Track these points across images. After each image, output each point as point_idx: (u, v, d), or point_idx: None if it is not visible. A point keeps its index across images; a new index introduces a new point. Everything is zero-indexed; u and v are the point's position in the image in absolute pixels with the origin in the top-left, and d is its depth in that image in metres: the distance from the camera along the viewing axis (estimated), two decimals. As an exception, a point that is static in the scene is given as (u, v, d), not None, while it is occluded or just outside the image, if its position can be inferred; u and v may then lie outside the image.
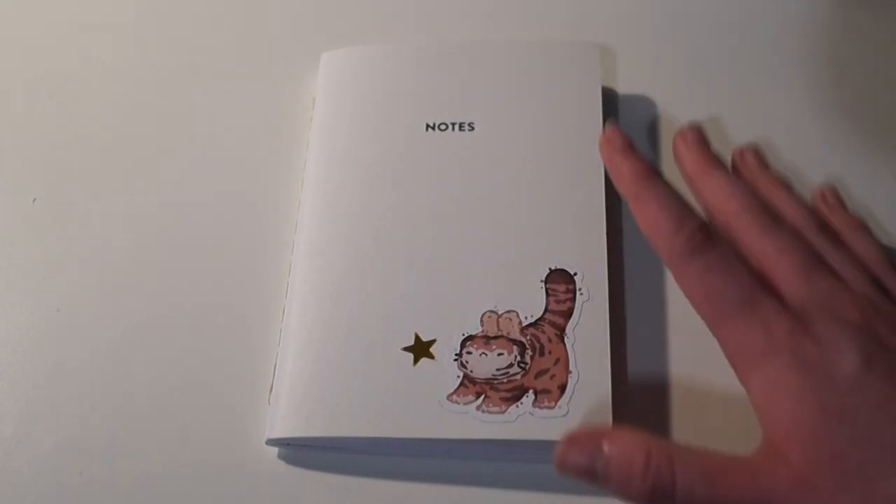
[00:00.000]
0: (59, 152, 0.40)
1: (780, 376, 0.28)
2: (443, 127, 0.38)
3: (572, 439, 0.29)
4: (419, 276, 0.35)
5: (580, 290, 0.34)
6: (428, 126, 0.38)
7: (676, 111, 0.42)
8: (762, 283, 0.31)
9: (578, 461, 0.29)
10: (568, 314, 0.34)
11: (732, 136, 0.41)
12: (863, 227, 0.36)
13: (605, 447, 0.28)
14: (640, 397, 0.34)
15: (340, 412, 0.32)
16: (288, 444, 0.33)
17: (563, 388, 0.32)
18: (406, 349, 0.33)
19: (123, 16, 0.44)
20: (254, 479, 0.32)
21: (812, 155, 0.41)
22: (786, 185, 0.37)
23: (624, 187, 0.34)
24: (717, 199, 0.35)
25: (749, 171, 0.38)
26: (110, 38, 0.43)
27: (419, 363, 0.33)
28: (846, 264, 0.32)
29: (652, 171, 0.34)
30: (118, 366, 0.35)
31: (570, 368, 0.33)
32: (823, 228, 0.34)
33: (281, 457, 0.33)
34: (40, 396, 0.34)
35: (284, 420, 0.32)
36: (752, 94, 0.42)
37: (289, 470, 0.33)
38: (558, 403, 0.32)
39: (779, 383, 0.28)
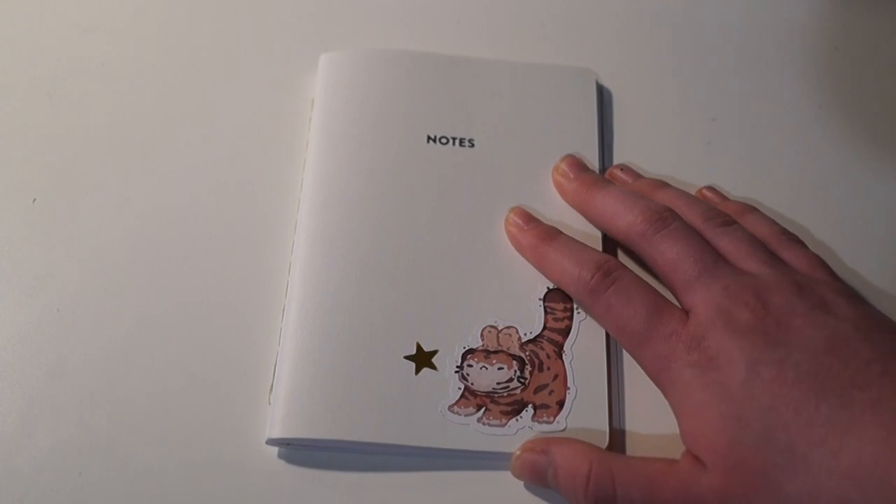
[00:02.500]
0: (59, 152, 0.40)
1: (685, 391, 0.30)
2: (443, 140, 0.39)
3: (526, 449, 0.31)
4: (418, 284, 0.35)
5: (577, 310, 0.35)
6: (429, 138, 0.39)
7: (675, 111, 0.42)
8: (663, 298, 0.32)
9: (531, 471, 0.31)
10: (566, 332, 0.34)
11: (733, 137, 0.41)
12: (752, 209, 0.37)
13: (553, 459, 0.31)
14: (637, 415, 0.34)
15: (341, 415, 0.32)
16: (288, 444, 0.33)
17: (561, 404, 0.33)
18: (408, 358, 0.34)
19: (123, 16, 0.44)
20: (254, 479, 0.32)
21: (812, 155, 0.41)
22: (666, 184, 0.38)
23: (529, 254, 0.36)
24: (603, 220, 0.36)
25: (627, 184, 0.38)
26: (110, 38, 0.43)
27: (421, 373, 0.33)
28: (742, 244, 0.33)
29: (551, 231, 0.36)
30: (118, 366, 0.34)
31: (569, 385, 0.33)
32: (715, 214, 0.35)
33: (281, 457, 0.33)
34: (40, 396, 0.34)
35: (284, 420, 0.32)
36: (753, 94, 0.42)
37: (289, 470, 0.33)
38: (556, 419, 0.33)
39: (686, 397, 0.30)
